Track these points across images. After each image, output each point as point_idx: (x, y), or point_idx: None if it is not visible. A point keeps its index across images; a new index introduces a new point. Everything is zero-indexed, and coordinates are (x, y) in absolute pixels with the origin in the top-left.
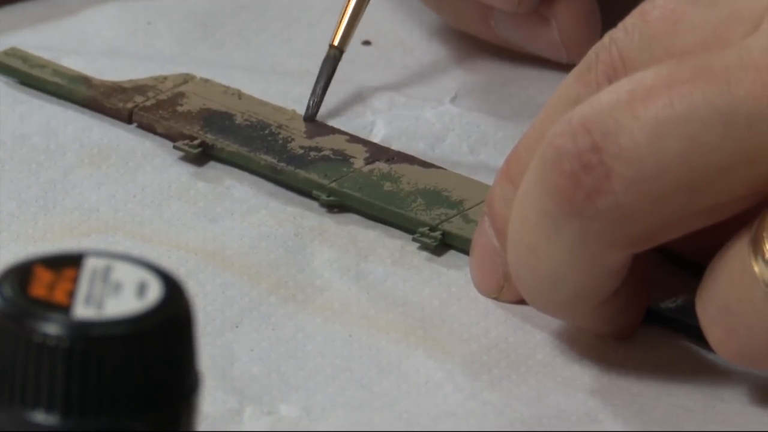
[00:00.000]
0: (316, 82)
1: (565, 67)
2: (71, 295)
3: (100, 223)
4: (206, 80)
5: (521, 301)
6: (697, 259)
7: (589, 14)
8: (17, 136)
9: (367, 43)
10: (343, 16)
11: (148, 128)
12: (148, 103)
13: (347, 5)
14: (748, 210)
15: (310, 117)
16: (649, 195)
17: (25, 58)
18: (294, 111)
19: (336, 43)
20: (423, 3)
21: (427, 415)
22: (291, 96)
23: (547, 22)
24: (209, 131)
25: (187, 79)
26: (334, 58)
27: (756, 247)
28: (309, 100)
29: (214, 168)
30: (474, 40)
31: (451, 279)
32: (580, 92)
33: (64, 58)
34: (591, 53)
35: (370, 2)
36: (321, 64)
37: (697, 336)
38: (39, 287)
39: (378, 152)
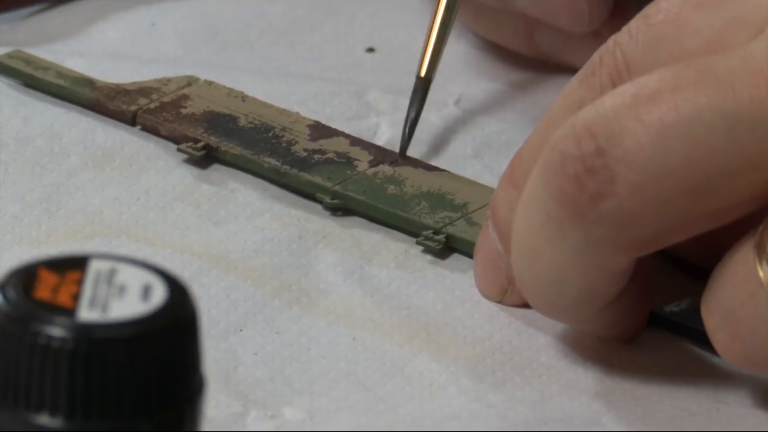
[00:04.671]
0: (407, 114)
1: (570, 72)
2: (76, 297)
3: (104, 226)
4: (210, 82)
5: (525, 305)
6: (701, 264)
7: None
8: (21, 139)
9: (370, 50)
10: (427, 45)
11: (151, 131)
12: (151, 106)
13: (430, 34)
14: (752, 214)
15: (402, 149)
16: (653, 198)
17: (28, 60)
18: (298, 113)
19: (423, 73)
20: (458, 19)
21: (430, 417)
22: (295, 98)
23: (599, 37)
24: (213, 133)
25: (190, 81)
26: (423, 89)
27: (761, 251)
28: (402, 132)
29: (217, 170)
30: (478, 45)
31: (455, 282)
32: (584, 96)
33: (68, 60)
34: (595, 57)
35: (371, 8)
36: (411, 96)
37: (701, 339)
38: (43, 290)
39: (382, 155)
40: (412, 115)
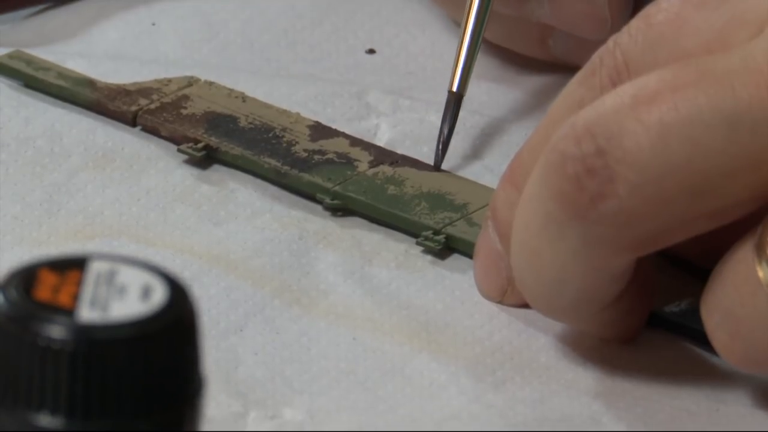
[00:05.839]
0: (440, 130)
1: (570, 73)
2: (76, 298)
3: (104, 227)
4: (210, 83)
5: (525, 305)
6: (701, 264)
7: None
8: (21, 139)
9: (371, 51)
10: (458, 60)
11: (152, 131)
12: (152, 106)
13: (461, 47)
14: (752, 214)
15: (437, 164)
16: (652, 199)
17: (29, 60)
18: (298, 114)
19: (454, 88)
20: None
21: (430, 417)
22: (295, 99)
23: None
24: (213, 134)
25: (191, 81)
26: (455, 104)
27: (760, 252)
28: (436, 147)
29: (218, 171)
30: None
31: (455, 282)
32: (584, 96)
33: (69, 61)
34: (595, 57)
35: (371, 8)
36: (443, 111)
37: (700, 340)
38: (44, 290)
39: (382, 155)
40: (446, 130)
